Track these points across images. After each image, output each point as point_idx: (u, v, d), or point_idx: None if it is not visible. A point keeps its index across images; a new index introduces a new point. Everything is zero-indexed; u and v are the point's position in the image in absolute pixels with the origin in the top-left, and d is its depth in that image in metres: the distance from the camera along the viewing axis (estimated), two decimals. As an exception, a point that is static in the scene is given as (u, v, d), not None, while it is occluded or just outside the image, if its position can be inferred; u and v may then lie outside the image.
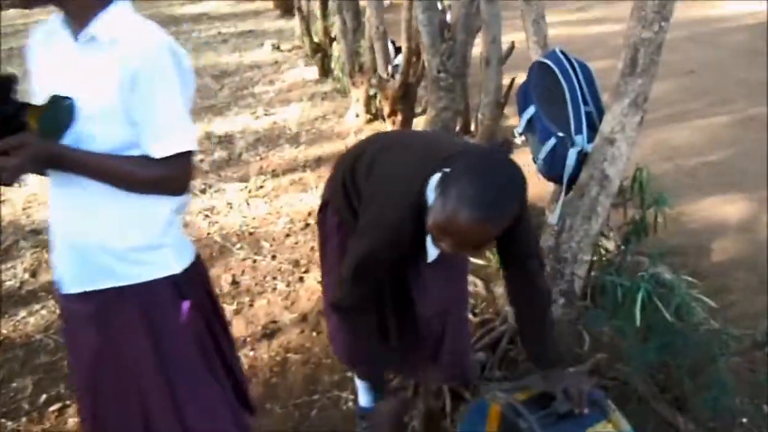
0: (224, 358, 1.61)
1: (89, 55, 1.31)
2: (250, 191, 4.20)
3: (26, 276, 3.37)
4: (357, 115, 5.26)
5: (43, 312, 3.05)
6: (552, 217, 2.40)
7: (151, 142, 1.33)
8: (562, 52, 2.42)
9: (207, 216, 3.94)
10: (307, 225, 3.72)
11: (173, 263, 1.45)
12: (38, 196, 4.25)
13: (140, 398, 1.48)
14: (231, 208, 4.03)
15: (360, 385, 2.15)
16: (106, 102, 1.29)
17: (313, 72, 7.12)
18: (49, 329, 2.90)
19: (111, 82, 1.28)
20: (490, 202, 1.32)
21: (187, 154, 1.36)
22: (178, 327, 1.44)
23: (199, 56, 8.99)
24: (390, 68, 4.46)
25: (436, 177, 1.44)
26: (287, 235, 3.65)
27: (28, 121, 1.22)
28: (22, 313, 3.06)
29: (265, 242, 3.59)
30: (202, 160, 4.94)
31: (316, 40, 6.94)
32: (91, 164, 1.30)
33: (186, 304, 1.44)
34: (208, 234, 3.72)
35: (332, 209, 1.85)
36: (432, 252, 1.57)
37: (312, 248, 3.41)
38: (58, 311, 2.75)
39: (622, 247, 2.47)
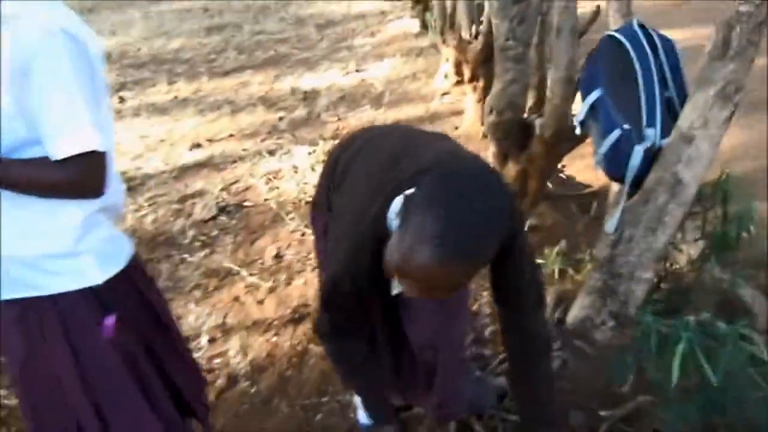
0: (162, 367, 1.44)
1: None
2: (317, 156, 4.01)
3: None
4: (446, 77, 4.90)
5: None
6: (609, 224, 2.02)
7: (48, 141, 1.14)
8: (641, 25, 1.99)
9: (270, 180, 3.81)
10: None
11: (94, 272, 1.29)
12: None
13: (69, 414, 1.34)
14: (295, 172, 3.87)
15: (357, 400, 1.93)
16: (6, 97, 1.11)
17: (415, 25, 6.77)
18: None
19: (3, 67, 1.10)
20: (458, 242, 1.02)
21: (92, 155, 1.16)
22: (99, 343, 1.28)
23: (308, 5, 8.85)
24: (475, 28, 4.05)
25: (399, 199, 1.16)
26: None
27: None
28: None
29: (319, 214, 3.40)
30: (281, 118, 4.80)
31: (417, -12, 6.57)
32: (12, 176, 1.14)
33: (110, 319, 1.27)
34: (266, 200, 3.58)
35: (319, 209, 1.61)
36: (397, 287, 1.29)
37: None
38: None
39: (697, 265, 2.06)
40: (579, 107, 2.04)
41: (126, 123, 5.08)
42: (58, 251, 1.25)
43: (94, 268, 1.29)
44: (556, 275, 2.48)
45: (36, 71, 1.09)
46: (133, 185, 3.95)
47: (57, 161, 1.15)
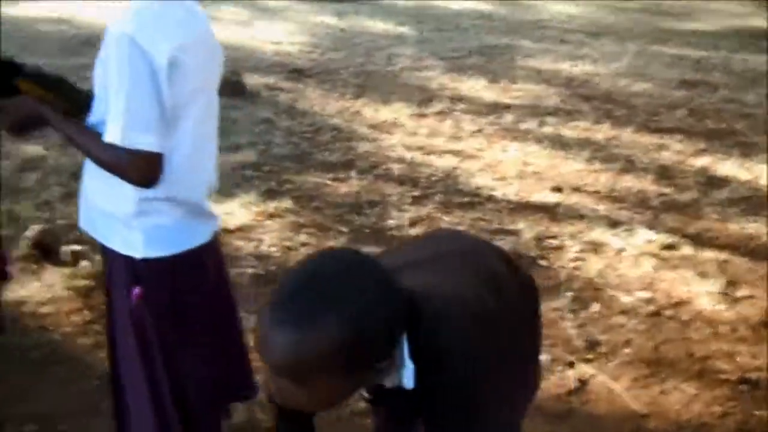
0: (170, 367, 1.64)
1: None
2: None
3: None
4: None
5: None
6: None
7: (107, 124, 1.46)
8: None
9: (593, 253, 3.63)
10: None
11: (138, 247, 1.58)
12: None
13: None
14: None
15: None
16: (98, 71, 1.47)
17: None
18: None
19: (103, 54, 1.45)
20: (288, 303, 0.98)
21: (138, 152, 1.44)
22: (124, 306, 1.59)
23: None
24: None
25: None
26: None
27: (18, 85, 1.50)
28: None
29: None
30: (662, 195, 4.41)
31: None
32: (67, 133, 1.53)
33: (136, 290, 1.57)
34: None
35: None
36: None
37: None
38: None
39: None
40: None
41: (521, 146, 5.32)
42: (118, 216, 1.59)
43: (140, 244, 1.59)
44: None
45: (107, 62, 1.42)
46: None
47: (111, 144, 1.46)
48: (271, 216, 3.98)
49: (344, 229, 3.88)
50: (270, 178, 4.50)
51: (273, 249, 3.64)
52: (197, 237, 1.69)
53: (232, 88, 6.05)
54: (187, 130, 1.57)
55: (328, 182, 4.49)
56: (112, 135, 1.45)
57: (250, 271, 3.42)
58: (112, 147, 1.46)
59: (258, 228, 3.85)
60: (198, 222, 1.70)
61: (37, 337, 2.84)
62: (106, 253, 1.68)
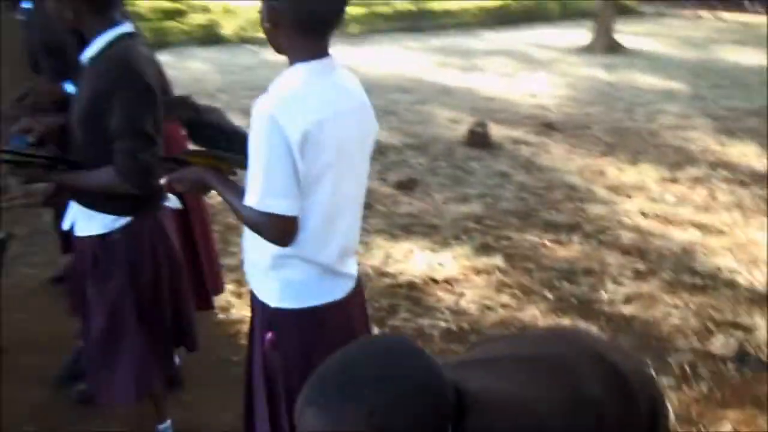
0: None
1: None
2: None
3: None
4: None
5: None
6: None
7: (247, 188, 1.65)
8: None
9: None
10: None
11: (274, 296, 1.75)
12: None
13: None
14: None
15: None
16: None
17: None
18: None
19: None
20: (320, 383, 1.01)
21: (271, 214, 1.60)
22: (259, 350, 1.74)
23: None
24: None
25: None
26: None
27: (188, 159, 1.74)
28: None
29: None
30: None
31: None
32: (224, 196, 1.72)
33: (269, 336, 1.71)
34: None
35: None
36: None
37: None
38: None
39: None
40: None
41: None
42: (259, 266, 1.78)
43: (275, 294, 1.75)
44: None
45: (252, 136, 1.61)
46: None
47: (246, 204, 1.64)
48: (479, 271, 3.99)
49: (549, 296, 3.72)
50: (488, 232, 4.51)
51: (471, 306, 3.64)
52: (328, 295, 1.79)
53: (475, 140, 6.23)
54: (323, 197, 1.68)
55: (547, 243, 4.36)
56: (250, 199, 1.63)
57: (443, 324, 3.46)
58: (251, 209, 1.64)
59: (463, 282, 3.88)
60: (330, 281, 1.80)
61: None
62: (252, 297, 1.87)
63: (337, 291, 1.83)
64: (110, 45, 2.00)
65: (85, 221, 2.15)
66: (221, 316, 3.44)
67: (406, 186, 5.29)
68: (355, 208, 1.84)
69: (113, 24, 2.01)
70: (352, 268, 1.90)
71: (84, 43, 2.04)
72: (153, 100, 2.02)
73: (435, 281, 3.89)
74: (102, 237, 2.13)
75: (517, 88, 8.54)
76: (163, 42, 11.90)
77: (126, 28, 2.04)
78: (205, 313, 3.10)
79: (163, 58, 11.36)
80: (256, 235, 1.70)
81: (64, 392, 2.86)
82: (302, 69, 1.65)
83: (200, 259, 2.89)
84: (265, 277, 1.79)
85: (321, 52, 1.67)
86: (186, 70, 9.10)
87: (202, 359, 2.87)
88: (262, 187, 1.60)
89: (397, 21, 14.24)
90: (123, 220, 2.13)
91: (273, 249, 1.70)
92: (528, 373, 1.19)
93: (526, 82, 8.85)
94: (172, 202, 2.32)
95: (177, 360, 2.68)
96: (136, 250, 2.17)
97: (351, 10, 14.88)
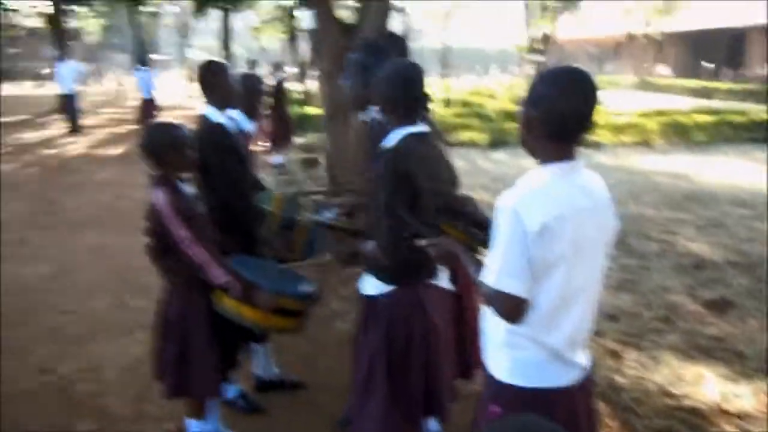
0: None
1: None
2: None
3: None
4: None
5: None
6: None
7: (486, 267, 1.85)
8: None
9: None
10: None
11: (503, 372, 1.89)
12: None
13: None
14: None
15: None
16: None
17: None
18: None
19: None
20: None
21: (504, 293, 1.77)
22: (483, 421, 1.88)
23: None
24: None
25: None
26: None
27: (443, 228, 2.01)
28: None
29: None
30: None
31: None
32: (467, 266, 1.97)
33: (494, 408, 1.85)
34: None
35: None
36: None
37: None
38: None
39: None
40: None
41: None
42: (493, 340, 1.93)
43: (504, 369, 1.88)
44: None
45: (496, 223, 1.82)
46: None
47: (484, 281, 1.83)
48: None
49: None
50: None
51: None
52: (555, 379, 1.88)
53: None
54: (555, 284, 1.81)
55: None
56: (487, 276, 1.84)
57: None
58: (487, 285, 1.84)
59: (757, 419, 3.43)
60: (558, 366, 1.89)
61: None
62: (483, 369, 2.05)
63: (564, 377, 1.91)
64: (402, 140, 2.44)
65: (366, 282, 2.59)
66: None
67: (718, 306, 4.87)
68: (587, 299, 1.92)
69: (408, 123, 2.46)
70: (581, 359, 1.96)
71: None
72: (409, 191, 2.37)
73: (725, 413, 3.51)
74: (372, 298, 2.53)
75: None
76: (502, 141, 12.87)
77: (416, 128, 2.46)
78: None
79: (499, 155, 12.36)
80: (491, 312, 1.90)
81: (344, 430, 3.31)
82: (548, 169, 1.84)
83: (465, 335, 3.12)
84: (498, 352, 1.94)
85: (567, 156, 1.85)
86: (516, 168, 9.71)
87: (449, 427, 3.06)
88: (499, 268, 1.81)
89: (748, 131, 13.15)
90: (387, 287, 2.50)
91: (506, 326, 1.87)
92: None
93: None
94: (444, 282, 2.62)
95: (434, 427, 2.91)
96: (393, 317, 2.50)
97: (698, 118, 14.25)
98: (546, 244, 1.77)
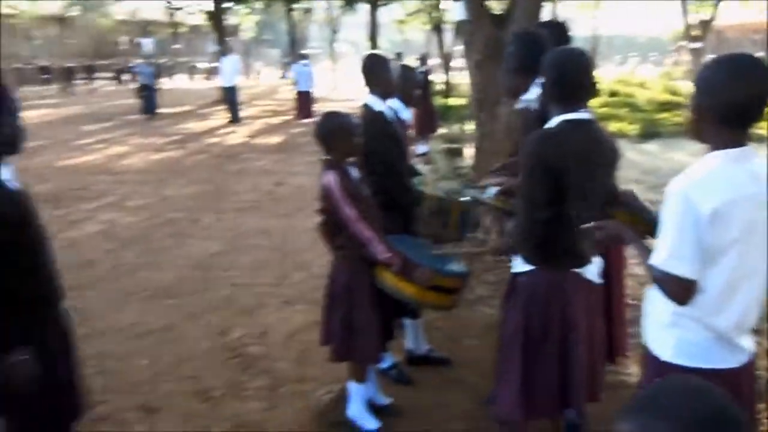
0: None
1: None
2: None
3: None
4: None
5: None
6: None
7: (655, 249, 1.89)
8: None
9: None
10: None
11: (667, 351, 1.93)
12: None
13: None
14: None
15: None
16: None
17: None
18: None
19: None
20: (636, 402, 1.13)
21: (673, 274, 1.81)
22: None
23: None
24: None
25: None
26: None
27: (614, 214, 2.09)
28: None
29: None
30: None
31: None
32: (635, 248, 2.02)
33: None
34: None
35: None
36: None
37: None
38: None
39: None
40: None
41: None
42: (657, 320, 1.98)
43: (669, 349, 1.92)
44: None
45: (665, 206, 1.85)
46: None
47: (652, 263, 1.87)
48: None
49: None
50: None
51: None
52: (721, 361, 1.90)
53: None
54: (724, 269, 1.84)
55: None
56: (657, 258, 1.87)
57: None
58: (656, 267, 1.88)
59: None
60: (725, 348, 1.91)
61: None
62: (645, 351, 2.09)
63: (730, 360, 1.93)
64: (556, 125, 2.45)
65: (514, 260, 2.66)
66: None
67: None
68: (755, 285, 1.92)
69: (569, 110, 2.45)
70: (747, 343, 1.97)
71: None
72: (551, 174, 2.37)
73: None
74: (515, 275, 2.62)
75: None
76: (654, 132, 12.32)
77: (575, 115, 2.45)
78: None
79: (651, 147, 11.81)
80: (658, 293, 1.94)
81: (489, 407, 3.45)
82: (719, 155, 1.86)
83: (611, 323, 3.13)
84: (662, 332, 1.98)
85: (738, 142, 1.87)
86: (669, 161, 9.28)
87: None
88: (668, 250, 1.85)
89: None
90: (529, 267, 2.55)
91: (673, 307, 1.91)
92: None
93: None
94: (592, 274, 2.61)
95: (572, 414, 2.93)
96: (531, 297, 2.53)
97: None
98: (716, 229, 1.79)
